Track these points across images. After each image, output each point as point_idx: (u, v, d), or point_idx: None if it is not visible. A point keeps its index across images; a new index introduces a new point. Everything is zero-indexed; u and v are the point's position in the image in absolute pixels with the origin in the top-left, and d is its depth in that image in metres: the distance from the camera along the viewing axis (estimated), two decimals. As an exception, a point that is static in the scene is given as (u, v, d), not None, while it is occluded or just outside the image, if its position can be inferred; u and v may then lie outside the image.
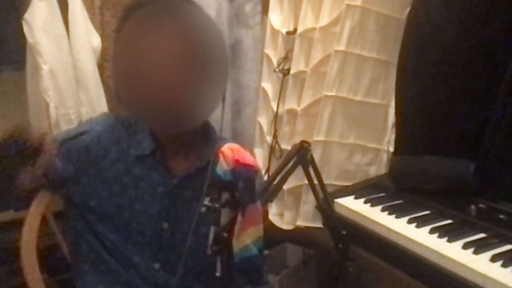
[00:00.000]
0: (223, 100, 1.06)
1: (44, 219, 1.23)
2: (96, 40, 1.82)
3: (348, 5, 1.53)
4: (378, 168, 1.69)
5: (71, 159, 1.15)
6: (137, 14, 1.01)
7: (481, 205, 1.25)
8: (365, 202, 1.36)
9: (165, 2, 1.01)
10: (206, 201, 0.87)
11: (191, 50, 1.00)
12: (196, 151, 1.19)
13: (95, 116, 1.24)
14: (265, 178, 1.78)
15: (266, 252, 1.90)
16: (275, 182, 1.03)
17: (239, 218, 0.88)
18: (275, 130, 1.81)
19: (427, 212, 1.29)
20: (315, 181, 1.14)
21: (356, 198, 1.39)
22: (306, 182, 1.26)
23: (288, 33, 1.76)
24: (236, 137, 2.07)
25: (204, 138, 1.21)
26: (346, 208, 1.35)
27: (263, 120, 1.90)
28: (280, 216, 1.78)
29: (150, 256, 1.17)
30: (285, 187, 1.62)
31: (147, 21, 1.00)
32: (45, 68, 1.70)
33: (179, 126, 1.06)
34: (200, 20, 1.04)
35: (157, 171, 1.16)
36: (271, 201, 1.47)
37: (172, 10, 1.01)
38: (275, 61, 1.81)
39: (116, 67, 1.03)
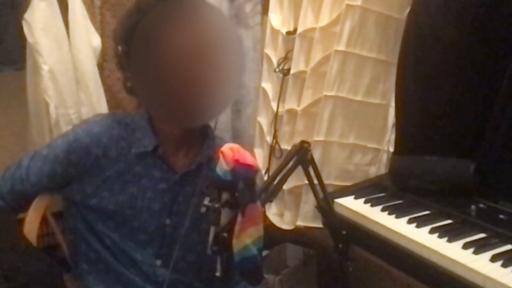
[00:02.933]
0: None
1: (44, 219, 1.23)
2: (96, 40, 1.81)
3: (348, 5, 1.53)
4: (378, 168, 1.69)
5: (71, 161, 1.15)
6: (157, 9, 1.03)
7: (481, 205, 1.25)
8: (365, 202, 1.36)
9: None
10: (206, 201, 0.87)
11: (209, 46, 1.03)
12: (195, 147, 1.20)
13: (91, 117, 1.24)
14: (265, 178, 1.78)
15: (266, 252, 1.90)
16: (275, 182, 1.03)
17: (239, 218, 0.88)
18: (275, 130, 1.81)
19: (427, 212, 1.28)
20: (315, 181, 1.14)
21: (356, 198, 1.39)
22: (306, 182, 1.26)
23: (288, 33, 1.75)
24: (236, 137, 2.07)
25: (202, 134, 1.22)
26: (346, 208, 1.35)
27: (263, 120, 1.90)
28: (280, 216, 1.78)
29: (152, 253, 1.18)
30: (285, 187, 1.62)
31: (168, 15, 1.02)
32: (45, 68, 1.69)
33: (192, 120, 1.08)
34: (218, 19, 1.07)
35: (158, 168, 1.17)
36: (271, 201, 1.47)
37: (192, 7, 1.03)
38: (275, 61, 1.81)
39: (133, 59, 1.04)
